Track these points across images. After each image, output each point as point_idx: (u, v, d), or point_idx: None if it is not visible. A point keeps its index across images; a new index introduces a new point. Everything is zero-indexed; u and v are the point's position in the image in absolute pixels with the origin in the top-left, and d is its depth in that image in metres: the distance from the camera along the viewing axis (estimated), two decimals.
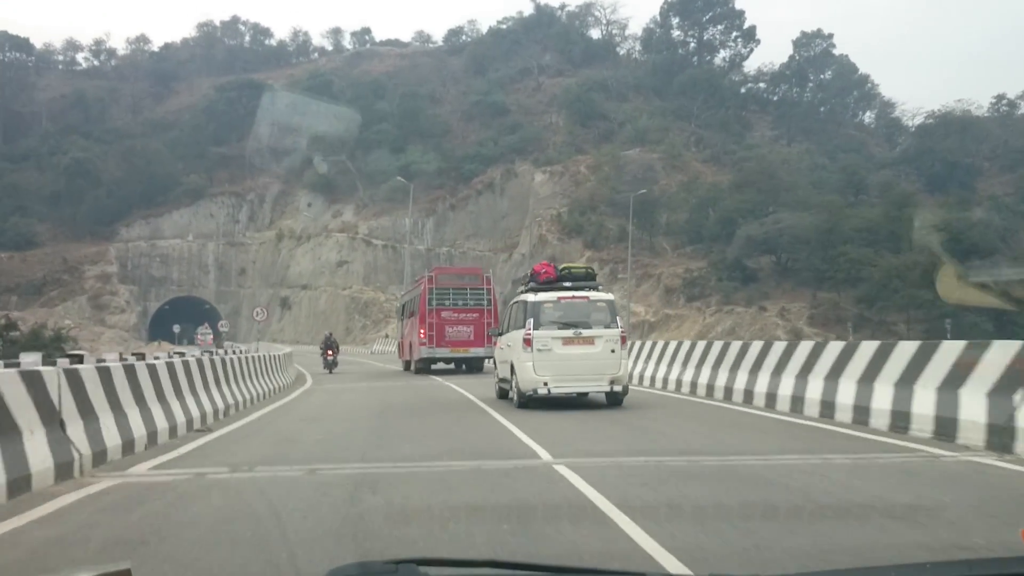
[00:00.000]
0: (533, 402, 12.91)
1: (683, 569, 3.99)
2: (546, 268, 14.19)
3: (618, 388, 12.78)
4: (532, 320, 12.82)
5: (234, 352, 18.35)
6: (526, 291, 13.80)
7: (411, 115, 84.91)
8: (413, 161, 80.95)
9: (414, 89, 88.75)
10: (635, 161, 73.22)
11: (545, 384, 12.69)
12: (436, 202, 78.47)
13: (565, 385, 12.87)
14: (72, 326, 65.00)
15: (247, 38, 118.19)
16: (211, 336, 55.73)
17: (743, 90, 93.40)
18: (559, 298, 13.01)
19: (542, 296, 13.13)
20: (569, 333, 12.71)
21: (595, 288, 13.55)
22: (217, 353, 16.26)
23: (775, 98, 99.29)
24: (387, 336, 26.21)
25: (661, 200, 65.23)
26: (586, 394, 13.51)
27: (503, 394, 14.64)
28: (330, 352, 27.50)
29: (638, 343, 19.73)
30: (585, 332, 12.70)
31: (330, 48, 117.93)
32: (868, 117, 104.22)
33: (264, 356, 19.27)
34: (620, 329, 13.03)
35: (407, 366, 28.79)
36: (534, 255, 69.22)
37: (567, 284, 13.45)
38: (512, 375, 13.54)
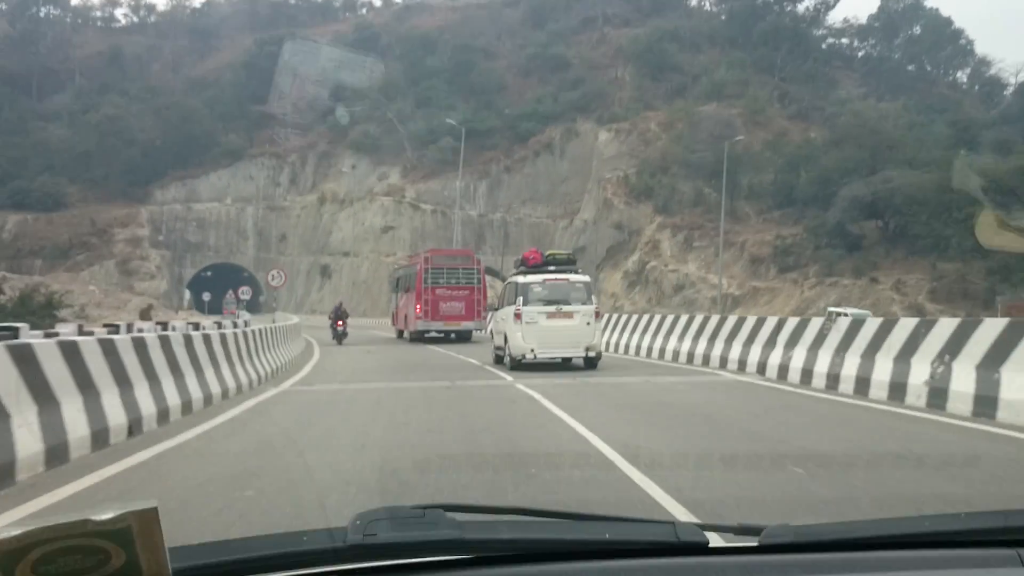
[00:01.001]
0: (522, 366, 15.73)
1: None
2: (534, 254, 17.45)
3: (592, 354, 15.73)
4: (521, 298, 15.77)
5: (235, 325, 17.58)
6: (517, 273, 17.03)
7: (463, 70, 78.18)
8: (465, 120, 74.22)
9: (467, 42, 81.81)
10: (712, 117, 65.72)
11: (532, 351, 15.60)
12: (489, 164, 71.89)
13: (549, 351, 15.76)
14: (96, 291, 60.32)
15: None
16: (234, 306, 50.98)
17: (824, 45, 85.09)
18: (544, 280, 16.03)
19: (530, 278, 16.19)
20: (552, 309, 15.64)
21: (575, 271, 16.72)
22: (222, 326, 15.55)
23: (860, 54, 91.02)
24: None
25: (745, 159, 57.76)
26: (569, 359, 16.03)
27: (499, 359, 17.32)
28: (340, 323, 27.27)
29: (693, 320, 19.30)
30: (565, 308, 15.63)
31: (379, 3, 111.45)
32: (962, 75, 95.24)
33: (262, 330, 16.50)
34: (594, 306, 16.08)
35: (400, 335, 32.13)
36: (598, 221, 62.60)
37: (551, 268, 16.61)
38: (505, 343, 16.36)
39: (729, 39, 78.03)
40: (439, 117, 74.61)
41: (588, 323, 15.81)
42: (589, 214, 64.28)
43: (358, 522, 1.60)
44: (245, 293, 45.84)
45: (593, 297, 16.42)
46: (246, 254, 78.44)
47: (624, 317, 23.40)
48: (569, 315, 15.73)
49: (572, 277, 16.43)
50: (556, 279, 16.24)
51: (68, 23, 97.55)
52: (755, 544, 1.71)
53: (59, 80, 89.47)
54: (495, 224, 70.34)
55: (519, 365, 15.84)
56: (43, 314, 30.00)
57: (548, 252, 17.94)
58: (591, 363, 15.92)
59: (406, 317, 30.75)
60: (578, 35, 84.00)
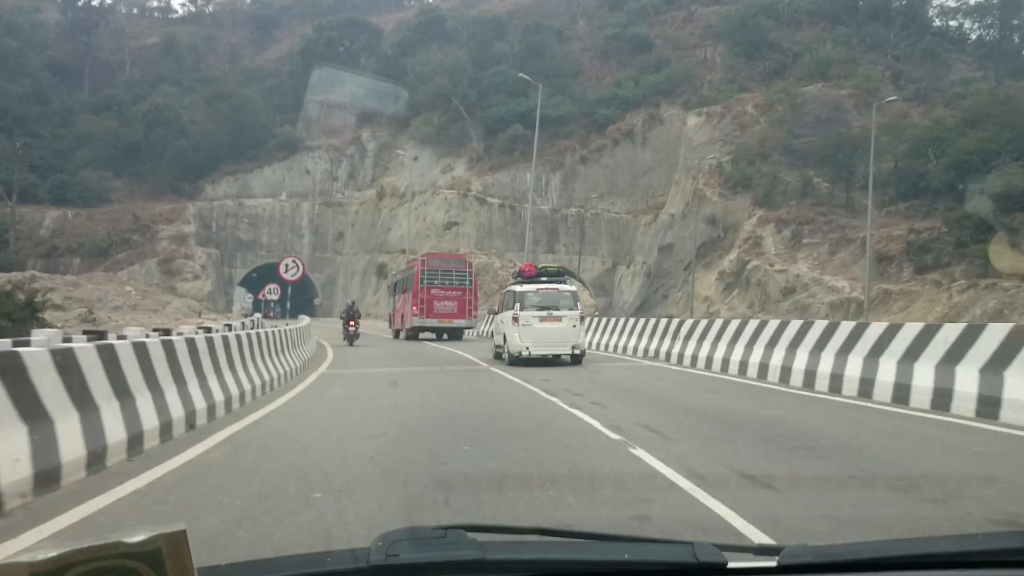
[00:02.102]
0: (519, 361, 18.18)
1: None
2: (529, 268, 21.39)
3: (578, 352, 18.42)
4: (518, 304, 18.53)
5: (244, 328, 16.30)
6: (515, 283, 20.38)
7: (535, 53, 71.52)
8: (536, 107, 67.68)
9: (539, 24, 75.08)
10: (817, 98, 58.30)
11: (527, 348, 18.17)
12: (563, 154, 65.12)
13: (541, 349, 18.27)
14: (132, 292, 55.36)
15: None
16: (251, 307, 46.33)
17: (935, 24, 76.25)
18: (538, 288, 18.99)
19: (526, 287, 19.15)
20: (544, 313, 18.40)
21: (564, 282, 20.18)
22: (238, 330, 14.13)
23: (973, 36, 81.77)
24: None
25: (860, 145, 49.78)
26: (558, 356, 18.44)
27: (498, 355, 19.97)
28: (352, 323, 26.52)
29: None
30: (555, 312, 18.43)
31: None
32: None
33: (266, 335, 14.29)
34: (579, 311, 18.81)
35: (396, 334, 33.67)
36: (687, 216, 55.29)
37: (544, 279, 19.90)
38: (504, 343, 19.08)
39: (830, 15, 69.79)
40: (508, 105, 68.25)
41: (574, 326, 18.36)
42: (677, 208, 56.95)
43: (380, 543, 1.64)
44: (272, 292, 42.24)
45: (579, 304, 19.06)
46: (301, 253, 72.82)
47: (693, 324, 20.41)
48: (558, 319, 18.28)
49: (561, 287, 19.29)
50: (548, 288, 18.99)
51: (122, 13, 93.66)
52: (774, 565, 1.71)
53: (111, 71, 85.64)
54: (570, 220, 63.52)
55: (516, 360, 18.18)
56: (21, 317, 24.17)
57: (541, 265, 22.01)
58: (577, 359, 18.46)
59: (403, 316, 32.77)
60: (661, 14, 76.68)
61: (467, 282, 31.65)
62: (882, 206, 48.47)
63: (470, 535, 1.67)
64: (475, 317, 32.68)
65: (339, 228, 72.23)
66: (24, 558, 1.15)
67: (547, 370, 16.79)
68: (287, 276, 26.54)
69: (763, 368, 15.14)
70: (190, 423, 8.56)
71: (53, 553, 1.16)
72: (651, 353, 21.14)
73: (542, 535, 1.82)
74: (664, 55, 69.62)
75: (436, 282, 30.88)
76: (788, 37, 65.66)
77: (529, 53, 71.72)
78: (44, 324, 24.54)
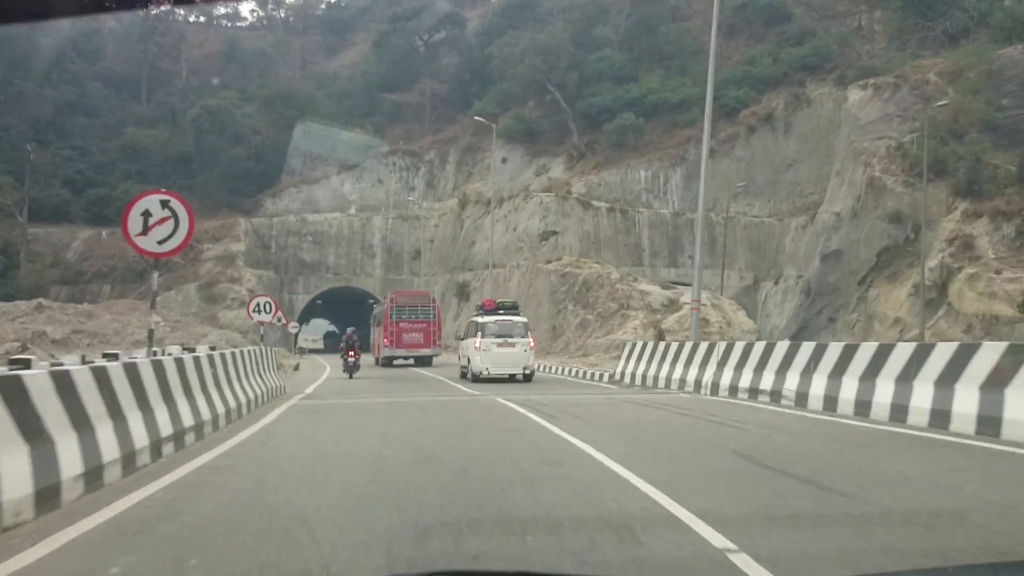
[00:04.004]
0: (480, 380, 21.49)
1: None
2: (489, 303, 25.26)
3: (528, 372, 21.89)
4: (480, 333, 21.96)
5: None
6: (477, 315, 23.93)
7: (645, 30, 59.75)
8: (650, 91, 55.84)
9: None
10: (1019, 63, 44.79)
11: (487, 369, 21.58)
12: (686, 146, 52.83)
13: (498, 370, 21.60)
14: (160, 322, 45.11)
15: None
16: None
17: None
18: (496, 320, 22.49)
19: (487, 318, 22.68)
20: (500, 340, 21.75)
21: (517, 314, 23.54)
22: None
23: None
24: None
25: None
26: (513, 376, 21.69)
27: (463, 375, 23.38)
28: (351, 353, 25.14)
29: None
30: (510, 339, 21.80)
31: None
32: None
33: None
34: (529, 339, 22.30)
35: (376, 361, 36.21)
36: (859, 214, 42.47)
37: (501, 311, 23.54)
38: (468, 364, 22.66)
39: None
40: (614, 92, 56.52)
41: (525, 351, 21.89)
42: (843, 204, 43.83)
43: None
44: (293, 328, 42.57)
45: (529, 333, 22.72)
46: (372, 275, 62.36)
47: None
48: (512, 345, 21.77)
49: (515, 318, 22.91)
50: (504, 319, 22.61)
51: (181, 19, 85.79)
52: None
53: (170, 82, 77.43)
54: (696, 225, 50.97)
55: (477, 379, 21.65)
56: None
57: (499, 300, 26.07)
58: (527, 378, 21.87)
59: (378, 347, 36.66)
60: None
61: (431, 315, 35.38)
62: None
63: None
64: (439, 346, 36.16)
65: (415, 245, 61.28)
66: None
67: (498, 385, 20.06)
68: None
69: None
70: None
71: None
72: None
73: None
74: (806, 26, 56.82)
75: (404, 316, 34.70)
76: None
77: (638, 31, 59.99)
78: None
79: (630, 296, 34.15)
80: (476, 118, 49.63)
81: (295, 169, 64.64)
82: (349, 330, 27.40)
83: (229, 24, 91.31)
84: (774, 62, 54.66)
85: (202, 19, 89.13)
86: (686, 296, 34.66)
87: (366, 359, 29.42)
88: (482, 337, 21.70)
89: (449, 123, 67.12)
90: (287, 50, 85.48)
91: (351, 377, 24.27)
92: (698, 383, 16.98)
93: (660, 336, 31.68)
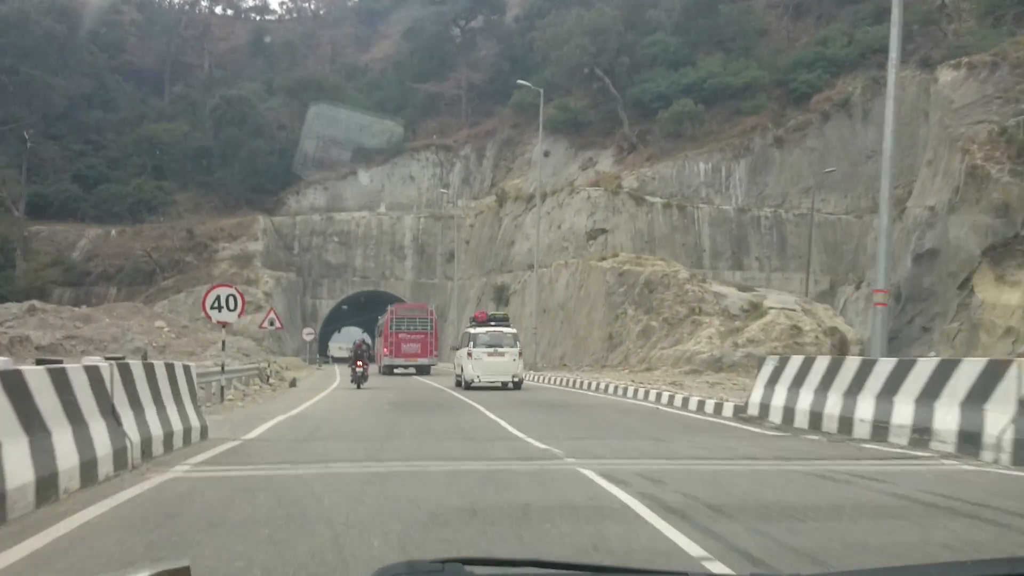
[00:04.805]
0: (472, 387, 22.10)
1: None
2: (481, 315, 26.33)
3: (517, 380, 22.39)
4: (472, 343, 22.68)
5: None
6: (470, 327, 24.66)
7: (703, 11, 54.49)
8: (709, 76, 50.49)
9: None
10: None
11: (479, 377, 22.18)
12: (750, 135, 47.56)
13: (489, 379, 22.20)
14: (165, 328, 41.01)
15: None
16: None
17: None
18: (487, 331, 23.22)
19: (478, 329, 23.45)
20: (491, 350, 22.39)
21: (507, 325, 24.67)
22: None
23: None
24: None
25: None
26: (505, 384, 22.22)
27: (458, 383, 23.89)
28: (360, 363, 24.33)
29: None
30: (500, 349, 22.43)
31: None
32: None
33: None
34: (518, 349, 22.96)
35: (379, 370, 36.55)
36: (958, 207, 36.89)
37: (492, 323, 24.50)
38: (461, 372, 23.31)
39: None
40: (669, 78, 51.42)
41: (514, 360, 22.42)
42: (938, 197, 38.18)
43: None
44: (308, 335, 43.09)
45: (518, 343, 23.35)
46: (403, 279, 57.67)
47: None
48: (502, 354, 22.34)
49: (505, 329, 23.74)
50: (494, 330, 23.33)
51: (207, 11, 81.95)
52: None
53: (193, 75, 73.57)
54: (763, 223, 45.76)
55: (469, 386, 22.20)
56: None
57: (490, 313, 27.07)
58: (517, 386, 22.38)
59: (380, 356, 38.09)
60: None
61: (428, 327, 36.64)
62: None
63: (467, 568, 1.65)
64: (436, 356, 37.50)
65: (449, 246, 56.47)
66: None
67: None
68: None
69: None
70: None
71: None
72: None
73: (539, 567, 1.79)
74: (883, 3, 50.98)
75: (403, 328, 36.06)
76: None
77: (695, 12, 54.75)
78: None
79: (702, 299, 28.83)
80: (520, 82, 44.48)
81: (308, 153, 59.83)
82: (359, 339, 27.43)
83: (257, 17, 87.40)
84: (849, 43, 49.22)
85: (229, 12, 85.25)
86: (771, 299, 29.26)
87: (372, 368, 28.53)
88: (474, 347, 22.53)
89: (486, 116, 62.34)
90: (316, 43, 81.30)
91: (359, 387, 23.71)
92: (942, 434, 9.23)
93: (842, 346, 26.38)
